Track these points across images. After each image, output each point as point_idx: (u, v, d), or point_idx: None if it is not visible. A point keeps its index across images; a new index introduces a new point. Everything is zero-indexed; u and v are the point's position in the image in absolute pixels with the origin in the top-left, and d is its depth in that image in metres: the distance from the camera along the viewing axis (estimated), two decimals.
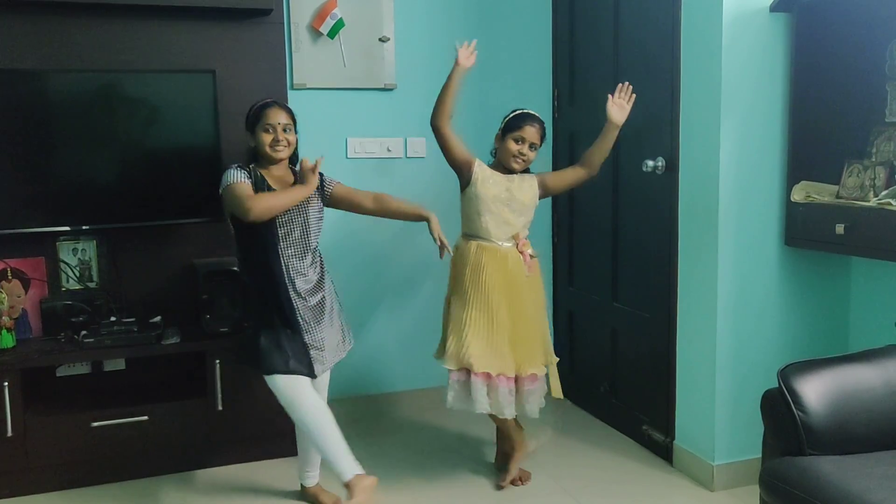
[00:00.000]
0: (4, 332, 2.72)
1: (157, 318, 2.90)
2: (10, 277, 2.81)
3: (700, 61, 2.55)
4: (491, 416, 2.62)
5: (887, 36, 2.39)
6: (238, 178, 2.37)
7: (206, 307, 2.84)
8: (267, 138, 2.44)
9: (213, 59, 2.99)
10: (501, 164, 2.65)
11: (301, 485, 2.67)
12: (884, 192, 2.25)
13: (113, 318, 2.82)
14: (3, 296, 2.74)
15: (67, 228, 2.84)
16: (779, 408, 1.85)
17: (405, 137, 3.35)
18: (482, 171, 2.61)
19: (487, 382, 2.54)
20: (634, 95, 2.61)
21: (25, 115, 2.76)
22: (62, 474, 2.72)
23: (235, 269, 2.90)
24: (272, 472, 2.87)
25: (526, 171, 2.67)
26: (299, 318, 2.43)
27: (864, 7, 2.41)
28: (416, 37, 3.32)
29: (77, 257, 2.95)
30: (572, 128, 3.42)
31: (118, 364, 2.98)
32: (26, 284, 2.87)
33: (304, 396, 2.40)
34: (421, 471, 2.88)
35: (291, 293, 2.43)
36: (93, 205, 2.86)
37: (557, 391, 2.73)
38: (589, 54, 3.27)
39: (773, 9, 2.45)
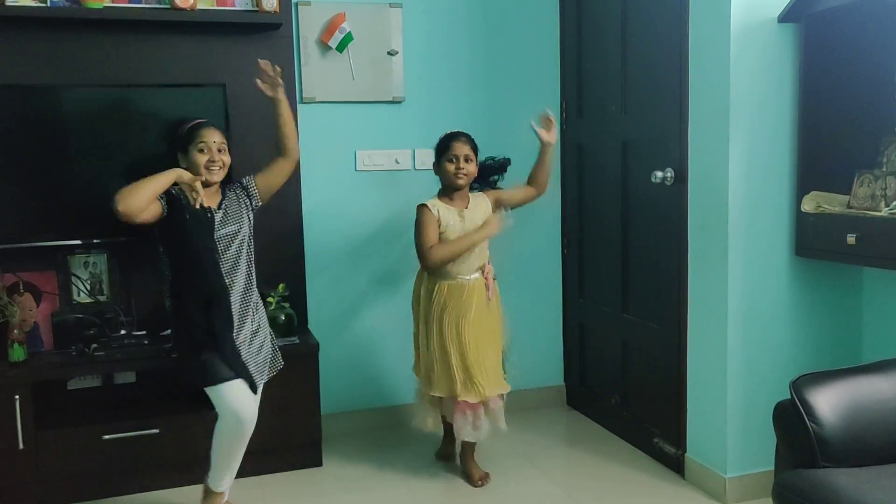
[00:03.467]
0: (16, 345, 2.73)
1: (168, 331, 2.91)
2: (22, 291, 2.82)
3: (708, 72, 2.55)
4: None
5: None
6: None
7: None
8: (201, 158, 2.42)
9: (223, 74, 3.01)
10: (450, 188, 2.76)
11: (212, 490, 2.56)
12: (895, 202, 2.24)
13: (124, 332, 2.84)
14: (16, 309, 2.76)
15: (79, 242, 2.86)
16: (791, 420, 1.84)
17: (413, 149, 3.36)
18: (441, 214, 2.72)
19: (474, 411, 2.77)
20: (555, 119, 2.81)
21: (39, 130, 2.79)
22: (73, 487, 2.73)
23: None
24: (285, 484, 2.87)
25: (480, 190, 2.86)
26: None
27: (872, 17, 2.40)
28: (425, 50, 3.34)
29: (88, 271, 2.96)
30: (580, 140, 3.43)
31: (129, 377, 2.99)
32: (38, 298, 2.89)
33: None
34: (426, 480, 2.87)
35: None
36: (104, 218, 2.85)
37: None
38: (597, 66, 3.27)
39: (782, 19, 2.45)
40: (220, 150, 2.45)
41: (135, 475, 2.79)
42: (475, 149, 2.77)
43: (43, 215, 2.83)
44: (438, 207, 2.72)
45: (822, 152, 2.49)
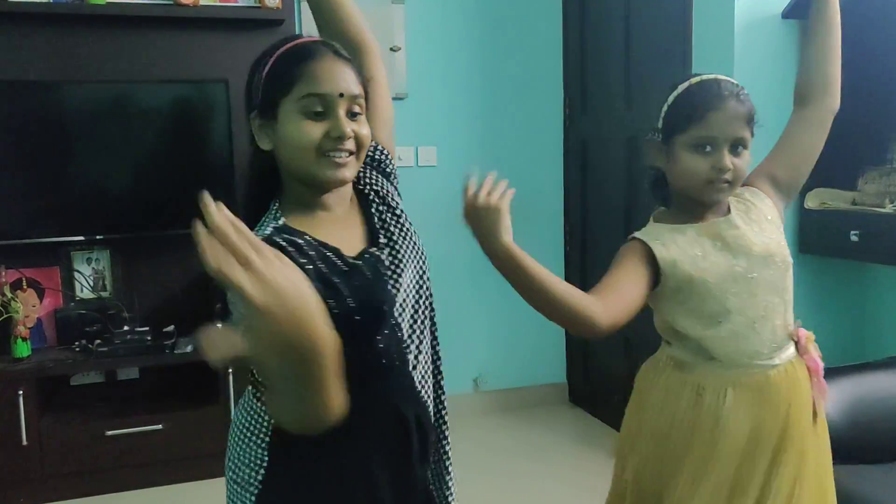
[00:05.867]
0: (20, 341, 2.73)
1: (171, 327, 2.92)
2: (25, 287, 2.83)
3: (712, 68, 2.51)
4: None
5: None
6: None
7: (219, 316, 2.85)
8: (315, 131, 1.07)
9: (226, 69, 3.01)
10: (688, 200, 1.36)
11: None
12: None
13: (126, 328, 2.84)
14: (19, 305, 2.76)
15: (81, 238, 2.87)
16: None
17: (416, 146, 3.36)
18: (667, 248, 1.32)
19: None
20: None
21: (41, 126, 2.79)
22: (77, 483, 2.73)
23: None
24: None
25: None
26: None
27: (878, 13, 2.39)
28: (427, 46, 3.33)
29: (91, 267, 2.97)
30: (584, 136, 3.42)
31: (132, 373, 3.00)
32: (41, 294, 2.89)
33: None
34: None
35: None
36: (107, 214, 2.88)
37: None
38: (600, 62, 3.26)
39: (786, 15, 2.44)
40: (353, 114, 1.10)
41: (138, 471, 2.79)
42: (753, 122, 1.35)
43: (46, 211, 2.83)
44: (662, 239, 1.34)
45: (827, 149, 2.46)
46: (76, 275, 2.94)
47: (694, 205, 1.35)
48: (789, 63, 2.49)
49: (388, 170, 1.24)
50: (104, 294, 2.97)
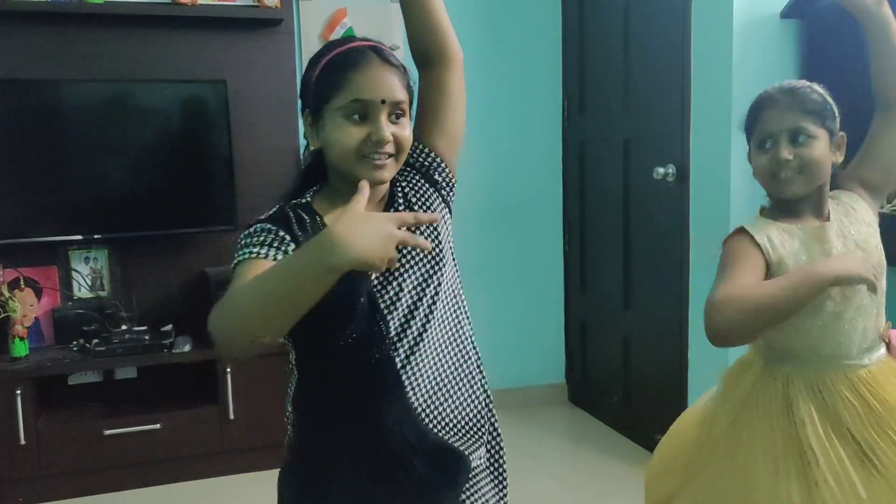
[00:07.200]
0: (17, 340, 2.73)
1: (169, 327, 2.91)
2: (22, 286, 2.82)
3: (710, 68, 2.55)
4: None
5: None
6: (250, 253, 1.12)
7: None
8: (356, 135, 1.13)
9: (224, 69, 3.01)
10: (778, 200, 1.46)
11: None
12: None
13: (124, 327, 2.84)
14: (16, 304, 2.75)
15: (79, 237, 2.86)
16: None
17: None
18: (774, 244, 1.40)
19: None
20: None
21: (39, 125, 2.79)
22: (75, 482, 2.73)
23: None
24: None
25: (831, 187, 1.48)
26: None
27: None
28: None
29: (89, 266, 2.96)
30: (582, 137, 3.42)
31: (130, 372, 3.00)
32: (39, 293, 2.89)
33: None
34: None
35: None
36: (105, 214, 2.88)
37: None
38: (599, 62, 3.27)
39: (784, 15, 2.44)
40: (394, 116, 1.17)
41: (136, 470, 2.79)
42: (822, 114, 1.43)
43: (43, 210, 2.83)
44: (769, 233, 1.41)
45: None
46: (74, 274, 2.94)
47: (786, 204, 1.43)
48: (788, 63, 2.49)
49: (435, 176, 1.27)
50: (102, 293, 2.96)
